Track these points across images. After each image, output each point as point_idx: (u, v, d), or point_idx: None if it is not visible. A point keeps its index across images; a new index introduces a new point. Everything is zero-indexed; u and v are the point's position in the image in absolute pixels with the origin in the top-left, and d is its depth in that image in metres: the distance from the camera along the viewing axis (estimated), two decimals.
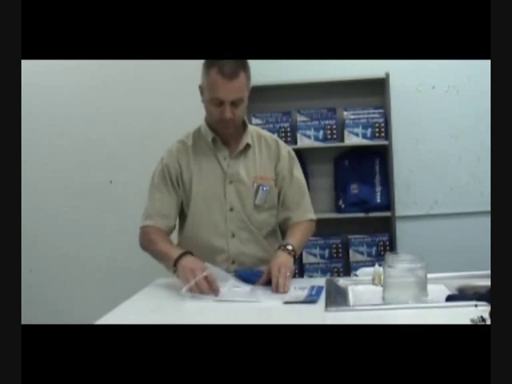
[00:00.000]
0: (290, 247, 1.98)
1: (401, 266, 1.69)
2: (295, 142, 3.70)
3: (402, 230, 3.72)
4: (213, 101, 1.97)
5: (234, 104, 1.96)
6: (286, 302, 1.74)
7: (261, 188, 2.10)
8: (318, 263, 3.78)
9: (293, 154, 2.21)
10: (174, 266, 1.92)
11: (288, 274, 1.87)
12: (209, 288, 1.81)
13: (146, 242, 2.10)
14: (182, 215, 2.16)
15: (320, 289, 1.85)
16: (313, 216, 2.20)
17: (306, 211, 2.18)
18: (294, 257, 1.99)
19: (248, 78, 2.00)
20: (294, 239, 2.05)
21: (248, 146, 2.11)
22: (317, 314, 1.62)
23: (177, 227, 2.19)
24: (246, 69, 1.98)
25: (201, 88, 2.04)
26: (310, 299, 1.74)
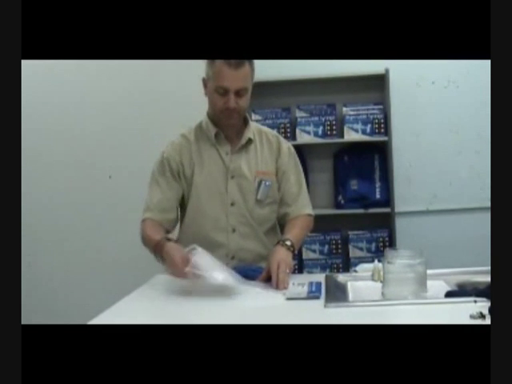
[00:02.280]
0: (288, 243, 1.98)
1: (400, 261, 1.69)
2: (295, 138, 3.69)
3: (401, 225, 3.72)
4: (217, 90, 1.98)
5: (239, 94, 1.98)
6: (289, 299, 1.74)
7: (263, 183, 2.10)
8: (318, 259, 3.78)
9: (292, 149, 2.22)
10: (156, 252, 1.92)
11: (287, 270, 1.87)
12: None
13: (143, 237, 2.09)
14: (183, 208, 2.16)
15: (318, 284, 1.85)
16: (310, 211, 2.20)
17: (303, 206, 2.18)
18: (293, 252, 1.99)
19: (252, 69, 2.02)
20: (293, 234, 2.05)
21: (250, 140, 2.12)
22: (317, 310, 1.62)
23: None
24: (250, 61, 2.00)
25: (204, 80, 2.05)
26: (313, 295, 1.75)
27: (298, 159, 2.22)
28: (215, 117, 2.08)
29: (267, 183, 2.11)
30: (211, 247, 2.05)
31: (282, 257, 1.91)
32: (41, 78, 3.63)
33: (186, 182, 2.11)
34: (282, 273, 1.85)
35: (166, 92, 3.63)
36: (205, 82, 2.05)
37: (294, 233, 2.07)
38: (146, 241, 2.06)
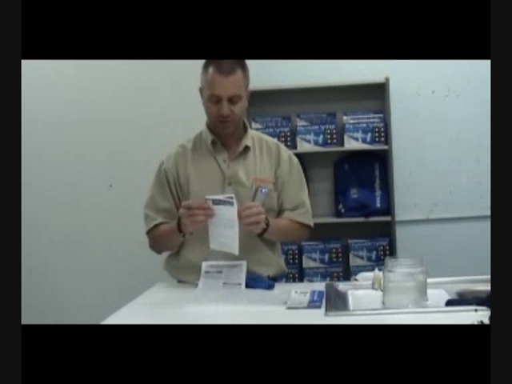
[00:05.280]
0: (266, 220, 2.00)
1: (401, 270, 1.69)
2: (295, 147, 3.69)
3: (401, 234, 3.72)
4: (211, 98, 2.00)
5: (232, 101, 1.99)
6: (290, 308, 1.74)
7: (259, 190, 2.10)
8: (318, 268, 3.77)
9: (295, 159, 2.21)
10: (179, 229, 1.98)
11: (252, 218, 1.91)
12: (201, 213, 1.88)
13: (154, 241, 2.13)
14: None
15: (321, 294, 1.84)
16: (307, 221, 2.19)
17: (300, 214, 2.17)
18: (266, 226, 2.00)
19: (246, 76, 2.02)
20: (276, 220, 2.09)
21: (247, 148, 2.12)
22: (317, 319, 1.62)
23: None
24: (243, 67, 2.01)
25: (200, 90, 2.06)
26: (314, 305, 1.74)
27: (300, 169, 2.22)
28: (212, 126, 2.11)
29: (263, 190, 2.10)
30: (210, 254, 2.05)
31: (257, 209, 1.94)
32: (40, 86, 3.65)
33: (183, 191, 2.12)
34: (249, 214, 1.90)
35: (168, 101, 3.64)
36: (201, 91, 2.07)
37: (280, 222, 2.11)
38: (163, 237, 2.09)
